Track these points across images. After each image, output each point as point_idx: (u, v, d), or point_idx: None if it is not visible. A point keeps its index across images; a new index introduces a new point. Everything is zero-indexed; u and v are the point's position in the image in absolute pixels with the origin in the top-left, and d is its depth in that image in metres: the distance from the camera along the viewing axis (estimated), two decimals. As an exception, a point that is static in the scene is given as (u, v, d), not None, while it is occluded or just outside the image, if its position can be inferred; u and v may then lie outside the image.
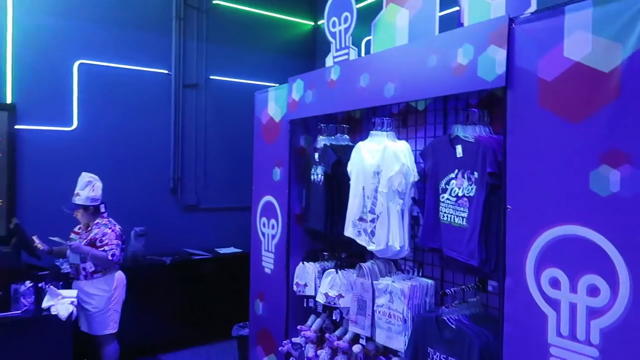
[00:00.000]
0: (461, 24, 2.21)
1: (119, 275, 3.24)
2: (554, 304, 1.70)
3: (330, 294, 2.76)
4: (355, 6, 2.77)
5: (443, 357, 2.09)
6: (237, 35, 4.95)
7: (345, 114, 3.15)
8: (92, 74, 4.20)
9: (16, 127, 3.91)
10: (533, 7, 1.95)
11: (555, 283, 1.70)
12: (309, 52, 5.33)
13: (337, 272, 2.78)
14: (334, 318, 2.85)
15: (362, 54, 3.41)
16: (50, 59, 4.04)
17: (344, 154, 2.80)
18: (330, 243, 3.13)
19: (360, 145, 2.62)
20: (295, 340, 3.02)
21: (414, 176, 2.40)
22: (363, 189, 2.56)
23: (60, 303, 2.82)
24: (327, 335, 2.83)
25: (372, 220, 2.49)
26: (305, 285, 3.00)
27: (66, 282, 3.20)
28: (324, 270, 2.92)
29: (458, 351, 2.02)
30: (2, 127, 3.84)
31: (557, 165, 1.70)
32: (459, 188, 2.13)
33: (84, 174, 3.27)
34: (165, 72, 4.56)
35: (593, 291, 1.60)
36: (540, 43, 1.74)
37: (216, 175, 4.85)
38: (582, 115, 1.63)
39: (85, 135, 4.17)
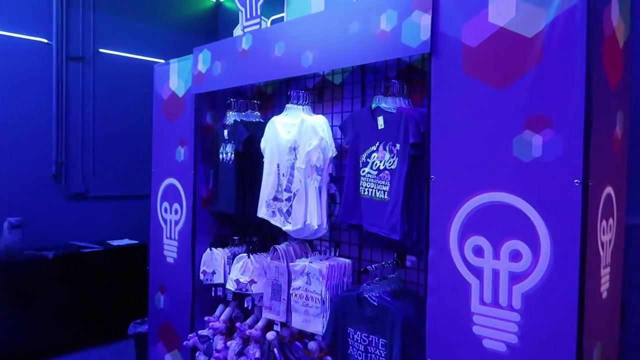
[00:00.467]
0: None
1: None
2: (477, 272, 1.69)
3: (241, 280, 2.58)
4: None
5: (364, 336, 2.01)
6: (131, 5, 4.50)
7: (256, 90, 2.98)
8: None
9: None
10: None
11: (478, 251, 1.69)
12: (211, 30, 5.03)
13: (248, 257, 2.60)
14: (245, 306, 2.67)
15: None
16: None
17: (256, 130, 2.63)
18: (241, 226, 2.94)
19: (275, 120, 2.47)
20: (202, 332, 2.79)
21: (332, 151, 2.30)
22: (278, 166, 2.41)
23: None
24: (237, 324, 2.64)
25: (288, 199, 2.35)
26: (214, 272, 2.78)
27: None
28: (234, 255, 2.72)
29: (380, 328, 1.96)
30: None
31: (481, 132, 1.69)
32: (381, 161, 2.07)
33: None
34: (45, 41, 3.99)
35: (515, 256, 1.60)
36: (465, 8, 1.71)
37: (107, 160, 4.37)
38: (507, 81, 1.63)
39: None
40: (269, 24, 2.73)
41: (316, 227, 2.28)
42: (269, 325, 2.52)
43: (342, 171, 2.39)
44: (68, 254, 3.75)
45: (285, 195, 2.36)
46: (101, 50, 4.33)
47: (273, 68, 2.40)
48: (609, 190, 1.68)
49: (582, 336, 1.46)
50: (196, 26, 4.96)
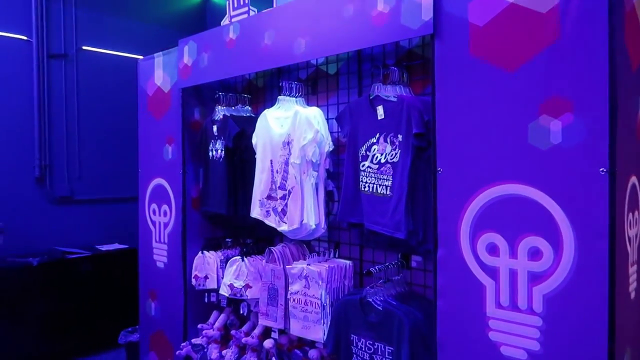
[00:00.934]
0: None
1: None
2: (492, 272, 1.54)
3: (235, 285, 2.42)
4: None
5: (369, 343, 1.86)
6: (115, 0, 4.32)
7: (246, 83, 2.81)
8: None
9: None
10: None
11: (493, 249, 1.54)
12: (198, 27, 4.82)
13: (242, 260, 2.44)
14: (240, 312, 2.51)
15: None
16: None
17: (247, 124, 2.47)
18: (234, 228, 2.79)
19: (267, 113, 2.31)
20: (195, 341, 2.63)
21: (328, 145, 2.15)
22: (271, 163, 2.26)
23: None
24: (232, 332, 2.48)
25: (283, 197, 2.20)
26: (206, 277, 2.62)
27: None
28: (227, 259, 2.56)
29: (386, 334, 1.81)
30: None
31: (492, 119, 1.54)
32: (382, 154, 1.91)
33: None
34: (25, 38, 3.81)
35: (535, 254, 1.46)
36: (472, -17, 1.56)
37: (94, 161, 4.18)
38: (519, 62, 1.48)
39: None
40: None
41: (314, 226, 2.13)
42: (267, 332, 2.37)
43: (340, 166, 2.24)
44: (54, 260, 3.57)
45: (280, 193, 2.21)
46: (84, 47, 4.14)
47: (263, 58, 2.24)
48: (633, 180, 1.54)
49: (614, 342, 1.31)
50: (183, 22, 4.78)
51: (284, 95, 2.27)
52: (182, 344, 2.68)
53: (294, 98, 2.26)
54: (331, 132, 2.22)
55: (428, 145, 1.77)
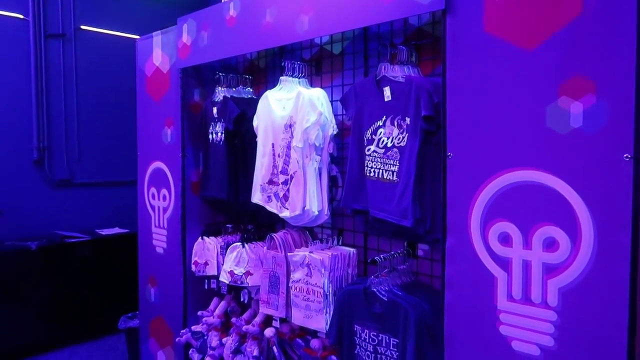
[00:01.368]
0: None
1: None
2: (504, 263, 1.46)
3: (236, 271, 2.35)
4: None
5: (373, 335, 1.80)
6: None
7: (247, 64, 2.71)
8: None
9: None
10: None
11: (505, 239, 1.45)
12: (198, 5, 4.71)
13: (243, 247, 2.37)
14: (241, 300, 2.45)
15: None
16: None
17: (248, 106, 2.38)
18: (234, 213, 2.71)
19: (268, 95, 2.21)
20: (195, 328, 2.58)
21: (332, 128, 2.06)
22: (273, 146, 2.17)
23: None
24: (233, 319, 2.42)
25: (285, 182, 2.12)
26: (206, 263, 2.56)
27: None
28: (227, 245, 2.49)
29: (391, 326, 1.74)
30: None
31: (507, 101, 1.44)
32: (388, 137, 1.82)
33: None
34: (21, 17, 3.70)
35: (550, 245, 1.37)
36: (488, -46, 1.45)
37: (93, 144, 4.10)
38: (537, 39, 1.38)
39: None
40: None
41: (316, 213, 2.04)
42: (268, 320, 2.31)
43: (344, 151, 2.15)
44: (53, 245, 3.53)
45: (282, 178, 2.13)
46: (82, 27, 4.03)
47: (264, 36, 2.14)
48: (657, 166, 1.44)
49: (635, 340, 1.23)
50: (183, 0, 4.65)
51: (287, 75, 2.17)
52: (182, 331, 2.63)
53: (296, 79, 2.16)
54: (335, 115, 2.12)
55: (437, 129, 1.68)
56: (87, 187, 4.09)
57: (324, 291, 1.97)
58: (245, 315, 2.45)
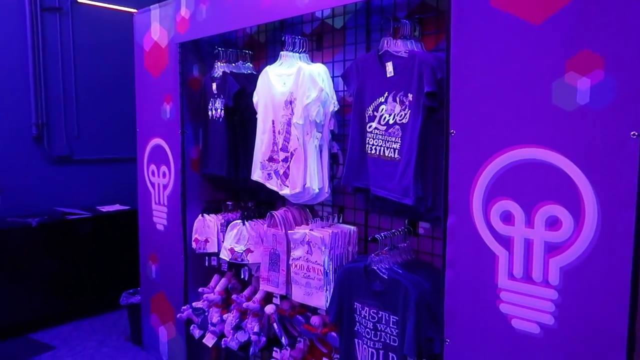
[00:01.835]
0: None
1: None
2: (506, 241, 1.45)
3: (236, 249, 2.35)
4: None
5: (373, 312, 1.80)
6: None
7: (247, 38, 2.66)
8: None
9: None
10: None
11: (507, 217, 1.44)
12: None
13: (243, 224, 2.37)
14: (241, 277, 2.46)
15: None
16: None
17: (247, 82, 2.35)
18: (234, 190, 2.70)
19: (268, 70, 2.18)
20: (196, 304, 2.60)
21: (333, 105, 2.03)
22: (273, 123, 2.14)
23: None
24: (234, 296, 2.44)
25: (285, 160, 2.09)
26: (206, 241, 2.56)
27: None
28: (227, 222, 2.49)
29: (391, 303, 1.74)
30: None
31: (512, 77, 1.41)
32: (390, 114, 1.79)
33: None
34: (16, -10, 3.64)
35: (553, 224, 1.36)
36: None
37: (92, 120, 4.07)
38: (545, 13, 1.34)
39: None
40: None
41: (317, 190, 2.03)
42: (268, 297, 2.32)
43: (346, 128, 2.12)
44: (53, 221, 3.53)
45: (282, 155, 2.11)
46: (79, 0, 3.95)
47: (264, 10, 2.09)
48: (664, 144, 1.41)
49: (635, 319, 1.23)
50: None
51: (287, 50, 2.13)
52: (183, 307, 2.64)
53: (297, 54, 2.12)
54: (336, 91, 2.09)
55: (440, 106, 1.65)
56: (87, 163, 4.07)
57: (324, 269, 1.97)
58: (246, 292, 2.46)
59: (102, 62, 4.07)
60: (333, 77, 2.11)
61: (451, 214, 1.56)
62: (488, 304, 1.49)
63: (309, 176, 2.01)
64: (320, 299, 1.99)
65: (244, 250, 2.34)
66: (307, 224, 2.16)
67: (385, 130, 1.81)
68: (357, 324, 1.86)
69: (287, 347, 2.26)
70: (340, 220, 2.18)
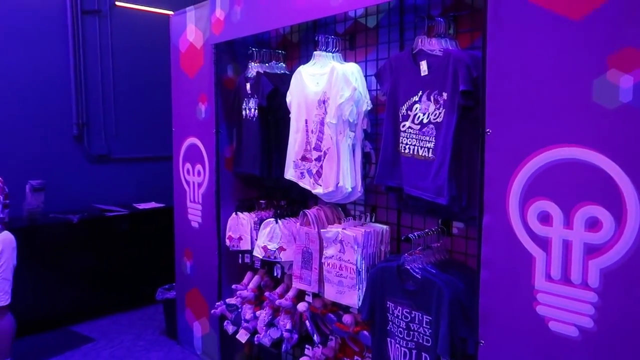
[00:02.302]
0: None
1: (5, 236, 2.63)
2: (543, 242, 1.42)
3: (269, 247, 2.38)
4: None
5: (406, 312, 1.79)
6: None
7: (280, 39, 2.69)
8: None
9: None
10: None
11: (545, 218, 1.41)
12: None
13: (276, 222, 2.39)
14: (274, 274, 2.49)
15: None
16: None
17: (281, 82, 2.37)
18: (267, 189, 2.73)
19: (302, 70, 2.19)
20: (229, 301, 2.64)
21: (366, 104, 2.03)
22: (306, 122, 2.16)
23: None
24: (266, 293, 2.47)
25: (318, 159, 2.11)
26: (240, 238, 2.60)
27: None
28: (261, 220, 2.52)
29: (424, 303, 1.73)
30: None
31: (551, 75, 1.38)
32: (424, 113, 1.78)
33: None
34: (59, -6, 3.78)
35: (593, 225, 1.33)
36: None
37: (130, 120, 4.19)
38: (585, 8, 1.31)
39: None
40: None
41: (350, 189, 2.04)
42: (300, 294, 2.34)
43: (378, 127, 2.12)
44: (93, 218, 3.65)
45: (315, 154, 2.12)
46: (117, 3, 4.07)
47: (298, 10, 2.11)
48: None
49: (681, 323, 1.19)
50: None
51: (320, 50, 2.14)
52: (217, 303, 2.70)
53: (330, 53, 2.13)
54: (370, 90, 2.09)
55: (475, 104, 1.63)
56: (124, 162, 4.19)
57: (356, 267, 1.98)
58: (278, 290, 2.49)
59: (139, 63, 4.18)
60: (366, 76, 2.11)
61: (486, 213, 1.55)
62: (524, 305, 1.47)
63: (342, 175, 2.02)
64: (353, 298, 2.00)
65: (277, 248, 2.37)
66: (340, 223, 2.18)
67: (419, 130, 1.80)
68: (390, 323, 1.86)
69: (319, 345, 2.27)
70: (373, 220, 2.18)
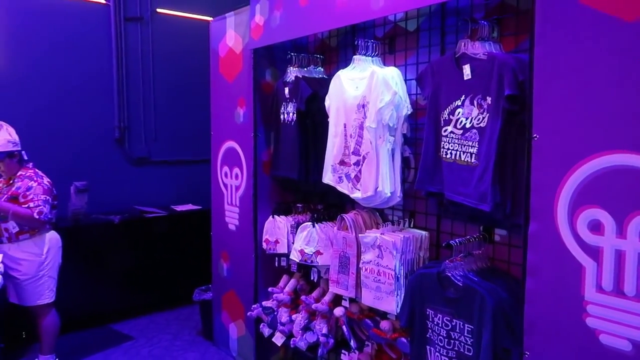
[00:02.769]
0: None
1: (52, 236, 2.73)
2: (594, 252, 1.37)
3: (306, 250, 2.39)
4: None
5: (447, 320, 1.76)
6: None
7: (318, 43, 2.70)
8: (11, 3, 3.52)
9: None
10: None
11: (596, 226, 1.36)
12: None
13: (313, 226, 2.39)
14: (310, 278, 2.49)
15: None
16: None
17: (319, 86, 2.37)
18: (304, 193, 2.74)
19: (341, 74, 2.19)
20: (266, 304, 2.66)
21: (406, 108, 2.01)
22: (345, 127, 2.15)
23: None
24: (303, 297, 2.47)
25: (357, 163, 2.10)
26: (276, 242, 2.61)
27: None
28: (297, 224, 2.53)
29: (466, 312, 1.69)
30: None
31: (602, 77, 1.34)
32: (467, 118, 1.75)
33: None
34: (103, 2, 3.90)
35: (648, 235, 1.27)
36: None
37: (169, 124, 4.29)
38: (639, 9, 1.26)
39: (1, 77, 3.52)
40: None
41: (389, 194, 2.02)
42: (336, 299, 2.33)
43: (418, 132, 2.10)
44: (133, 219, 3.75)
45: (354, 158, 2.11)
46: (158, 10, 4.18)
47: (337, 14, 2.11)
48: None
49: None
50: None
51: (359, 54, 2.14)
52: (253, 306, 2.72)
53: (370, 57, 2.12)
54: (410, 94, 2.07)
55: (521, 109, 1.59)
56: (163, 165, 4.29)
57: (395, 273, 1.95)
58: (315, 294, 2.49)
59: (179, 68, 4.28)
60: (406, 80, 2.09)
61: (533, 221, 1.50)
62: (573, 316, 1.42)
63: (381, 180, 2.00)
64: (391, 304, 1.98)
65: (314, 252, 2.37)
66: (377, 228, 2.16)
67: (462, 134, 1.77)
68: (430, 330, 1.83)
69: (356, 350, 2.26)
70: (412, 225, 2.15)
